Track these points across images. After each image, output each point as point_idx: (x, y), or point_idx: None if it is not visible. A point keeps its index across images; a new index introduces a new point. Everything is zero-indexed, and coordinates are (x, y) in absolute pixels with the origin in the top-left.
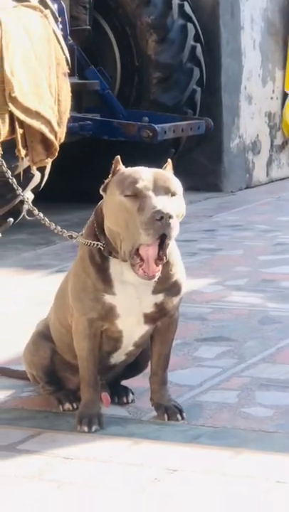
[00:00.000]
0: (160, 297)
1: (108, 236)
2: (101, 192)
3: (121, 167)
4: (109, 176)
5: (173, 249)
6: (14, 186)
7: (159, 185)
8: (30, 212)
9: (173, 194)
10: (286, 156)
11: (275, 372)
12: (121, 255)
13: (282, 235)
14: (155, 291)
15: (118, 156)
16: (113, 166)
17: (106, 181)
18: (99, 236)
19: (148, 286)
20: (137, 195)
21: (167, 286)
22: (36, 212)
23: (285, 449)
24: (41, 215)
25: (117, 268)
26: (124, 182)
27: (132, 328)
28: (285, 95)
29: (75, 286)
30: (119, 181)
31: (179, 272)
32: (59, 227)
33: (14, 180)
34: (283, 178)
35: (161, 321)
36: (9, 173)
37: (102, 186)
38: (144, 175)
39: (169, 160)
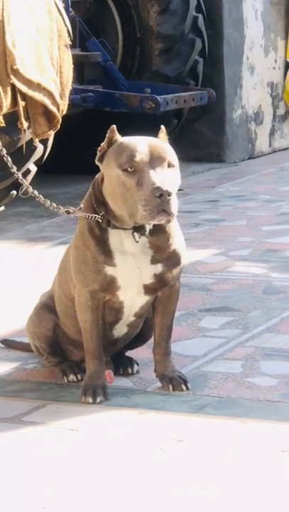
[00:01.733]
0: (159, 267)
1: (110, 205)
2: (96, 162)
3: (117, 137)
4: (104, 145)
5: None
6: (9, 164)
7: (156, 157)
8: (25, 190)
9: (170, 166)
10: (288, 126)
11: (280, 342)
12: (128, 222)
13: (285, 204)
14: (154, 261)
15: (114, 126)
16: (108, 135)
17: (100, 151)
18: (97, 208)
19: (146, 256)
20: (134, 170)
21: (166, 256)
22: (31, 190)
23: None
24: (36, 192)
25: (116, 239)
26: (121, 155)
27: (132, 299)
28: (287, 65)
29: (76, 259)
30: (116, 154)
31: (177, 242)
32: (54, 204)
33: (9, 158)
34: (286, 148)
35: (162, 292)
36: (4, 152)
37: (97, 156)
38: (140, 147)
39: (162, 127)
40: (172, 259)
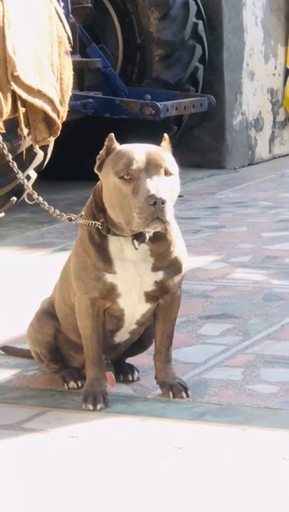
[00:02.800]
0: (160, 275)
1: (108, 212)
2: (95, 171)
3: (115, 145)
4: (102, 153)
5: (174, 227)
6: (14, 170)
7: (153, 165)
8: (30, 196)
9: (167, 173)
10: (288, 133)
11: (280, 349)
12: (126, 230)
13: (285, 211)
14: (155, 269)
15: (112, 134)
16: (106, 143)
17: (99, 159)
18: (97, 215)
19: (147, 264)
20: (131, 178)
21: (167, 264)
22: (36, 196)
23: None
24: (40, 199)
25: (116, 246)
26: (118, 163)
27: (133, 307)
28: (287, 71)
29: (77, 266)
30: (114, 161)
31: (178, 250)
32: (58, 211)
33: (15, 164)
34: (286, 155)
35: (163, 299)
36: (10, 157)
37: (96, 165)
38: (138, 155)
39: (166, 135)
40: (173, 267)
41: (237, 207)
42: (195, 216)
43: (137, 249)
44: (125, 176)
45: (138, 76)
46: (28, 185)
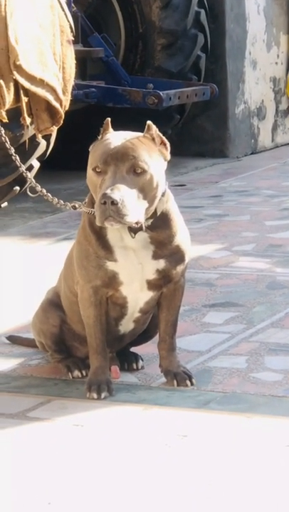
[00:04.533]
0: (162, 263)
1: None
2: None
3: (108, 131)
4: (99, 138)
5: (175, 216)
6: (17, 163)
7: (122, 161)
8: (32, 189)
9: (138, 171)
10: None
11: (284, 337)
12: None
13: (288, 199)
14: (156, 257)
15: (108, 119)
16: (103, 128)
17: (93, 144)
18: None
19: (148, 251)
20: (100, 171)
21: (168, 252)
22: (39, 188)
23: None
24: (44, 191)
25: (115, 234)
26: (94, 154)
27: (136, 295)
28: None
29: (79, 255)
30: (93, 152)
31: (181, 238)
32: (61, 201)
33: (17, 157)
34: (288, 143)
35: (166, 288)
36: (12, 150)
37: (90, 147)
38: (112, 148)
39: (149, 123)
40: (175, 255)
41: (240, 195)
42: (198, 205)
43: (133, 237)
44: (97, 169)
45: (140, 65)
46: (31, 177)
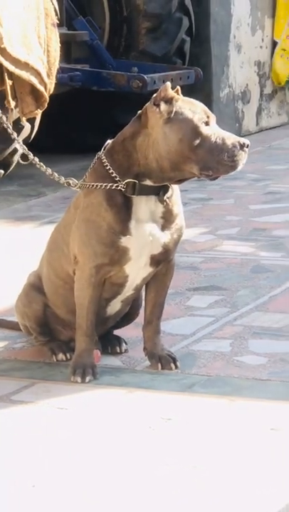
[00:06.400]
0: (168, 237)
1: (153, 162)
2: (163, 118)
3: (175, 94)
4: (166, 102)
5: (175, 188)
6: (9, 131)
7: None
8: (25, 157)
9: None
10: (276, 105)
11: (268, 320)
12: (167, 176)
13: (273, 183)
14: (163, 229)
15: (168, 83)
16: (165, 93)
17: (163, 111)
18: (121, 176)
19: (158, 224)
20: (208, 123)
21: (172, 225)
22: (31, 156)
23: (279, 397)
24: (36, 159)
25: (137, 206)
26: (197, 109)
27: (138, 271)
28: (274, 44)
29: (86, 232)
30: (191, 108)
31: (181, 215)
32: (56, 174)
33: (10, 125)
34: (273, 127)
35: (161, 266)
36: (4, 119)
37: (163, 116)
38: (201, 104)
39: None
40: (178, 231)
41: (224, 179)
42: (182, 189)
43: (163, 203)
44: (206, 122)
45: (125, 49)
46: (24, 146)
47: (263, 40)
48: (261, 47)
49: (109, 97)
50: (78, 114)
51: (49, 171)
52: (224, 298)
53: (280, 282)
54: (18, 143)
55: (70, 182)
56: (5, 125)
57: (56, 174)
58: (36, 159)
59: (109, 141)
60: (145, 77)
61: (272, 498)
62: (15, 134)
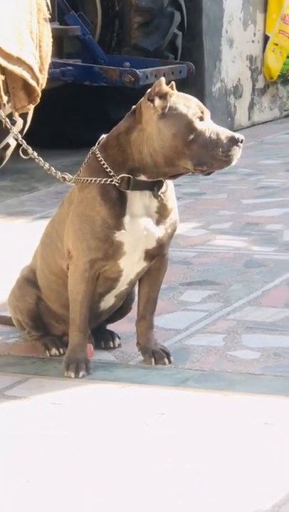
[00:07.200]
0: (162, 231)
1: (147, 157)
2: (157, 114)
3: (168, 90)
4: (161, 97)
5: (169, 183)
6: (8, 126)
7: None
8: (24, 151)
9: None
10: (268, 100)
11: (261, 315)
12: (161, 172)
13: (265, 178)
14: (158, 224)
15: (163, 78)
16: (159, 88)
17: (157, 107)
18: (116, 171)
19: (152, 219)
20: (202, 118)
21: (167, 221)
22: (31, 151)
23: (272, 391)
24: (35, 154)
25: (132, 201)
26: (191, 105)
27: (132, 265)
28: (266, 38)
29: (80, 227)
30: (185, 103)
31: (175, 210)
32: (53, 169)
33: (8, 120)
34: (265, 122)
35: (155, 260)
36: (2, 114)
37: (157, 112)
38: (195, 99)
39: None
40: (172, 226)
41: (217, 174)
42: (175, 183)
43: (157, 198)
44: (200, 117)
45: (117, 43)
46: (23, 140)
47: (255, 34)
48: (253, 41)
49: (102, 91)
50: (70, 109)
51: (46, 165)
52: (217, 292)
53: (273, 277)
54: (17, 138)
55: (66, 177)
56: (2, 120)
57: (53, 169)
58: (35, 154)
59: (103, 136)
60: (137, 71)
61: (267, 492)
62: (14, 129)
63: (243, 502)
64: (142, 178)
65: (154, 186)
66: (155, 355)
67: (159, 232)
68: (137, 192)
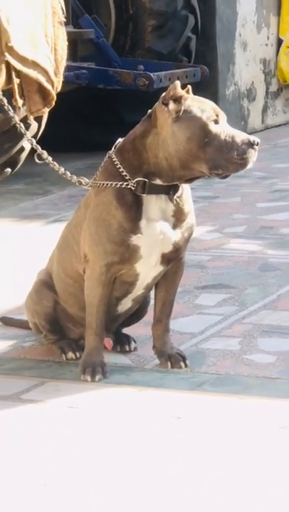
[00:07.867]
0: (178, 235)
1: (162, 160)
2: (171, 117)
3: (184, 93)
4: (176, 101)
5: (186, 187)
6: (22, 130)
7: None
8: (39, 156)
9: None
10: (281, 103)
11: (277, 318)
12: (177, 175)
13: (279, 181)
14: (174, 227)
15: (178, 82)
16: (174, 92)
17: (171, 111)
18: (132, 175)
19: (169, 223)
20: (217, 121)
21: (183, 223)
22: (45, 155)
23: (288, 395)
24: (50, 158)
25: (147, 205)
26: (206, 108)
27: (149, 270)
28: (279, 41)
29: (96, 231)
30: (200, 106)
31: (192, 211)
32: (69, 173)
33: (22, 125)
34: (278, 125)
35: (172, 264)
36: (16, 118)
37: (171, 115)
38: (211, 103)
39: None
40: (188, 230)
41: (230, 177)
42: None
43: (173, 202)
44: (216, 120)
45: (131, 47)
46: (37, 146)
47: (268, 38)
48: (267, 45)
49: (116, 95)
50: (84, 112)
51: (62, 170)
52: (232, 296)
53: (288, 280)
54: (31, 142)
55: (82, 181)
56: (17, 124)
57: (68, 173)
58: (50, 158)
59: (120, 140)
60: (151, 75)
61: (283, 496)
62: (28, 134)
63: (259, 506)
64: (158, 182)
65: (169, 190)
66: (171, 358)
67: (176, 236)
68: (152, 196)
